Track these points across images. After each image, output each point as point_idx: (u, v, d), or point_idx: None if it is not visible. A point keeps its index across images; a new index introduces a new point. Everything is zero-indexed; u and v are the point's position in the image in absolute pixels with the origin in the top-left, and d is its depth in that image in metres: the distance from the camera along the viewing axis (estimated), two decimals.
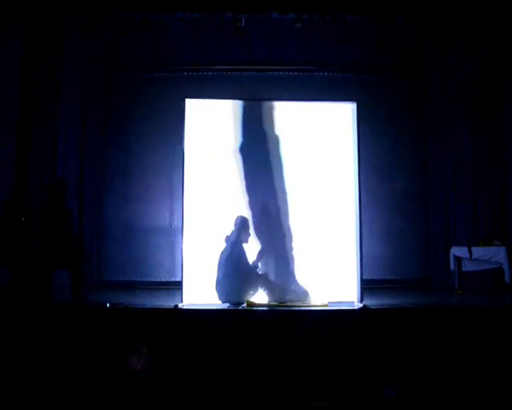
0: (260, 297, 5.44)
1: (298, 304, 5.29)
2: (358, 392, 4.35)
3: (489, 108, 7.83)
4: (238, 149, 5.78)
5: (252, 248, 5.58)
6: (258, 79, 8.22)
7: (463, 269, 6.96)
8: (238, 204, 5.68)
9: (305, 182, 5.76)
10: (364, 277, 5.70)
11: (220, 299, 5.44)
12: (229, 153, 5.77)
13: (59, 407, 4.04)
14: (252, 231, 5.61)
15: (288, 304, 5.29)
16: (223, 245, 5.58)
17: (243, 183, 5.73)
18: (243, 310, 5.12)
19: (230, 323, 4.83)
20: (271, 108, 5.95)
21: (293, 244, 5.66)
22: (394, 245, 8.04)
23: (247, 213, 5.64)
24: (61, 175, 7.39)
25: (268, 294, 5.44)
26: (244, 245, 5.56)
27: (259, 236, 5.63)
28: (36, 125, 7.68)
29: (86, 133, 7.90)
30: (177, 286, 5.98)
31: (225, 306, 5.34)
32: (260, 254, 5.53)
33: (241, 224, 5.57)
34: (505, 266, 6.77)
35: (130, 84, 8.32)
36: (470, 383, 4.32)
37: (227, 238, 5.57)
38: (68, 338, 4.55)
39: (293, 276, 5.58)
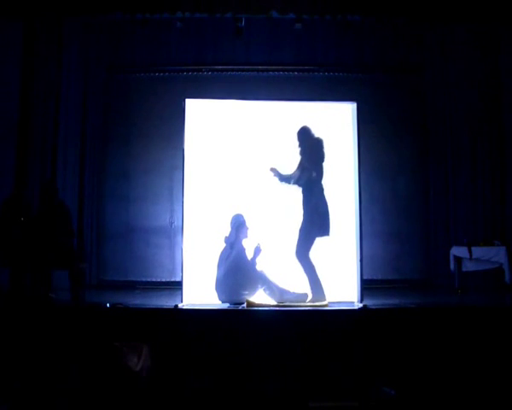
0: (260, 297, 5.44)
1: (298, 304, 5.28)
2: (358, 392, 4.35)
3: (489, 108, 7.84)
4: (238, 149, 5.78)
5: (249, 245, 5.58)
6: (258, 79, 8.22)
7: (463, 269, 6.96)
8: (238, 204, 5.68)
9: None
10: (364, 277, 5.70)
11: (220, 299, 5.44)
12: (228, 153, 5.77)
13: (58, 406, 4.04)
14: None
15: (288, 304, 5.29)
16: (223, 245, 5.58)
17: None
18: (243, 310, 5.12)
19: (230, 323, 4.83)
20: (271, 108, 5.96)
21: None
22: (394, 245, 8.04)
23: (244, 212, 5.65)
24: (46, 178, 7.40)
25: (269, 293, 5.44)
26: (244, 244, 5.56)
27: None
28: (36, 124, 7.68)
29: (86, 133, 7.90)
30: (177, 286, 5.98)
31: (225, 306, 5.34)
32: (257, 251, 5.53)
33: (238, 222, 5.57)
34: (505, 266, 6.77)
35: (130, 84, 8.33)
36: (470, 383, 4.32)
37: (226, 239, 5.57)
38: (68, 338, 4.55)
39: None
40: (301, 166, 5.59)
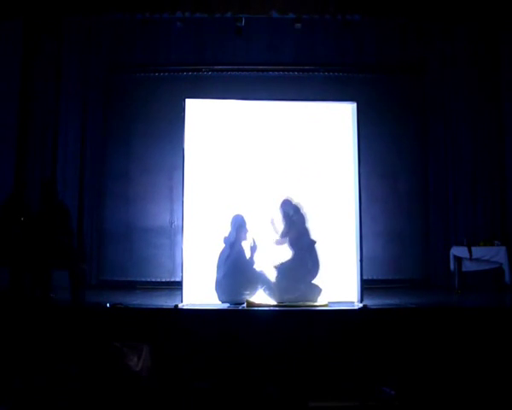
0: (260, 297, 5.44)
1: (298, 304, 5.28)
2: (358, 392, 4.35)
3: (489, 107, 7.84)
4: (238, 150, 5.79)
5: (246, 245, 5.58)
6: (258, 79, 8.22)
7: (463, 269, 6.97)
8: (238, 204, 5.68)
9: (306, 182, 5.75)
10: (364, 277, 5.71)
11: (220, 299, 5.44)
12: (228, 153, 5.77)
13: (59, 407, 4.04)
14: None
15: (288, 304, 5.29)
16: (222, 245, 5.57)
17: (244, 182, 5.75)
18: (243, 310, 5.12)
19: (230, 323, 4.83)
20: (271, 108, 5.96)
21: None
22: (394, 245, 8.04)
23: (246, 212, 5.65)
24: (46, 176, 7.40)
25: (269, 294, 5.43)
26: (243, 244, 5.56)
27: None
28: (36, 125, 7.68)
29: (86, 133, 7.90)
30: (177, 286, 5.98)
31: (225, 306, 5.34)
32: (253, 249, 5.52)
33: (238, 223, 5.56)
34: (505, 266, 6.78)
35: (130, 84, 8.33)
36: (470, 383, 4.32)
37: (226, 239, 5.56)
38: (68, 338, 4.55)
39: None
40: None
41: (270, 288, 5.45)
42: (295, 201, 5.61)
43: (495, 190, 7.78)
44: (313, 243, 5.52)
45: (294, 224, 5.54)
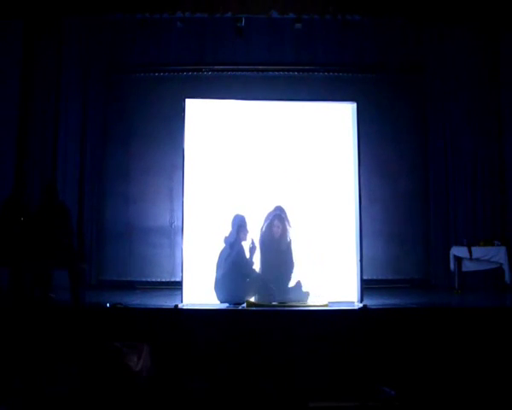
0: (260, 297, 5.43)
1: (298, 304, 5.28)
2: (358, 392, 4.35)
3: (489, 107, 7.84)
4: (238, 150, 5.79)
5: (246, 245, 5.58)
6: (258, 79, 8.22)
7: (463, 269, 6.97)
8: (238, 204, 5.69)
9: (305, 182, 5.76)
10: (364, 277, 5.70)
11: (219, 299, 5.43)
12: (228, 153, 5.78)
13: (58, 406, 4.04)
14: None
15: (288, 304, 5.29)
16: (222, 245, 5.57)
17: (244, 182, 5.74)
18: (243, 310, 5.12)
19: (230, 323, 4.83)
20: (271, 108, 5.96)
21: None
22: (394, 245, 8.04)
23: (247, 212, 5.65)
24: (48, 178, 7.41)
25: (267, 299, 5.41)
26: (243, 244, 5.56)
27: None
28: (36, 125, 7.68)
29: (86, 133, 7.90)
30: (177, 286, 5.98)
31: (225, 306, 5.34)
32: (252, 249, 5.52)
33: (239, 223, 5.56)
34: (505, 266, 6.78)
35: (130, 84, 8.32)
36: (470, 383, 4.32)
37: (226, 239, 5.56)
38: (68, 338, 4.56)
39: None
40: None
41: (269, 290, 5.44)
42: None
43: (495, 190, 7.78)
44: (290, 242, 5.55)
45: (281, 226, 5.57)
